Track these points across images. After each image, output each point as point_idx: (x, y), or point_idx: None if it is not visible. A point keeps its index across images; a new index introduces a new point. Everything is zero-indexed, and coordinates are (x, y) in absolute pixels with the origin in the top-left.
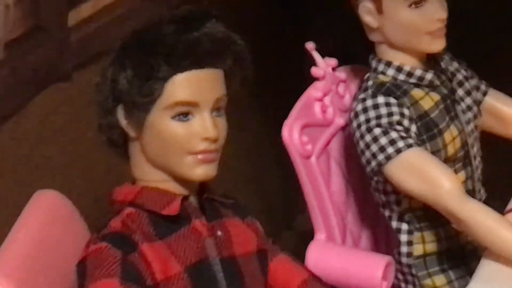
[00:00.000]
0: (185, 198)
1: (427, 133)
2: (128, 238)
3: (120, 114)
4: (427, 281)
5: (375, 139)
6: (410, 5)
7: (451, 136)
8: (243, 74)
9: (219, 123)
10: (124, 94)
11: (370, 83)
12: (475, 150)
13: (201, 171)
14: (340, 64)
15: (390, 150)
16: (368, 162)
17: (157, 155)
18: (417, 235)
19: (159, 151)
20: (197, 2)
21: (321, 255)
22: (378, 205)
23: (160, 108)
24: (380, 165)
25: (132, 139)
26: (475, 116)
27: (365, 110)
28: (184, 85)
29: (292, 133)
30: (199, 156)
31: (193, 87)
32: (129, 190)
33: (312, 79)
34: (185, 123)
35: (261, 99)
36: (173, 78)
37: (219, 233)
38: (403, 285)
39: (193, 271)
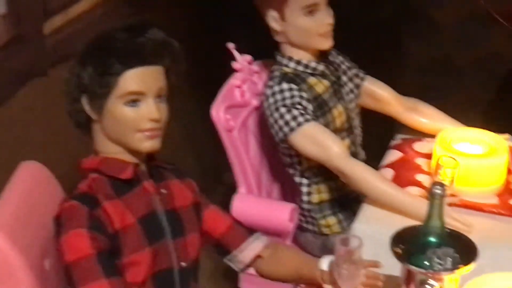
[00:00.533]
0: (136, 165)
1: (320, 110)
2: (93, 197)
3: (84, 102)
4: (322, 221)
5: (281, 116)
6: (307, 14)
7: (338, 112)
8: (179, 69)
9: (161, 107)
10: (86, 86)
11: (276, 73)
12: (356, 122)
13: (148, 144)
14: (255, 59)
15: (293, 124)
16: (277, 133)
17: (113, 133)
18: (314, 187)
19: (115, 130)
20: (142, 14)
21: (242, 205)
22: (285, 165)
23: (115, 96)
24: (285, 135)
25: (94, 121)
26: (356, 97)
27: (273, 94)
28: (133, 78)
29: (218, 112)
30: (146, 133)
31: (140, 80)
32: (93, 160)
33: (233, 71)
34: (135, 108)
35: (196, 87)
36: (124, 73)
37: (163, 191)
38: (304, 225)
39: (143, 221)
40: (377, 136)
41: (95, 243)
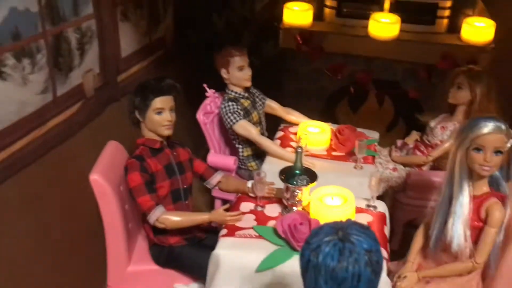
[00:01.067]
0: (162, 142)
1: (246, 114)
2: (142, 157)
3: (136, 113)
4: (249, 164)
5: (229, 117)
6: (239, 70)
7: (254, 115)
8: (179, 97)
9: (173, 115)
10: (137, 106)
11: (226, 97)
12: (263, 119)
13: (167, 132)
14: (216, 91)
15: (234, 121)
16: (227, 125)
17: (150, 127)
18: (245, 149)
19: (151, 125)
20: (162, 72)
21: (212, 159)
22: (232, 139)
23: (150, 110)
24: (231, 126)
25: (141, 122)
26: (262, 108)
27: (224, 107)
28: (159, 101)
29: (200, 116)
30: (166, 127)
31: (163, 102)
32: (141, 139)
33: (206, 97)
34: (160, 115)
35: (189, 104)
36: (155, 99)
37: (175, 153)
38: (241, 166)
39: (166, 167)
40: (272, 125)
41: (143, 178)
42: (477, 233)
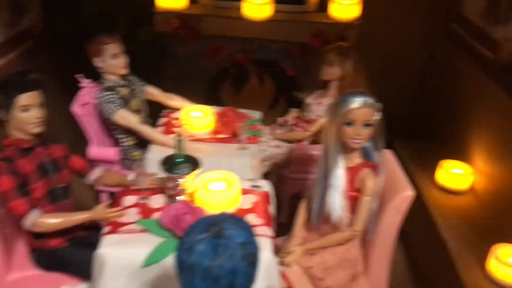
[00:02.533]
0: (31, 141)
1: (125, 103)
2: (10, 159)
3: (2, 112)
4: (132, 154)
5: (106, 107)
6: (113, 58)
7: (134, 103)
8: (52, 90)
9: (41, 111)
10: (1, 105)
11: (102, 87)
12: (143, 107)
13: (37, 130)
14: (95, 80)
15: (112, 110)
16: (106, 115)
17: (17, 125)
18: (126, 139)
19: (18, 124)
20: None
21: (94, 151)
22: (113, 130)
23: (15, 108)
24: (109, 116)
25: (6, 121)
26: (141, 95)
27: (101, 97)
28: (24, 98)
29: (75, 108)
30: (35, 124)
31: (29, 98)
32: (8, 140)
33: (80, 88)
34: (27, 112)
35: (66, 97)
36: (19, 96)
37: (47, 151)
38: (123, 156)
39: (38, 167)
40: (155, 111)
41: (13, 182)
42: (353, 202)
